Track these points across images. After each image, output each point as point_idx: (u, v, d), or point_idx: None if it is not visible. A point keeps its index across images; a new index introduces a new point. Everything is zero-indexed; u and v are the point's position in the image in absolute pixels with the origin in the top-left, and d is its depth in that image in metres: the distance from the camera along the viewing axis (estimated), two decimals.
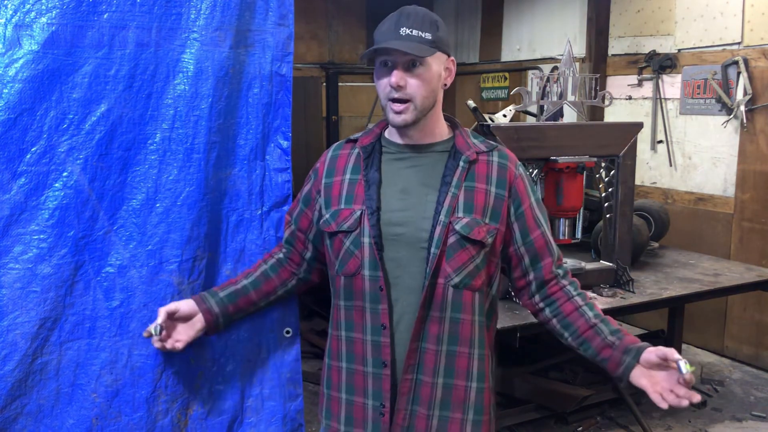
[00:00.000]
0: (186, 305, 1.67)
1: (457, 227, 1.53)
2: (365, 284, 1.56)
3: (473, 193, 1.56)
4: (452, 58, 1.59)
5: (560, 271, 1.66)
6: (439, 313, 1.55)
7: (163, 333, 1.62)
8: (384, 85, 1.52)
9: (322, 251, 1.71)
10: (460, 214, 1.54)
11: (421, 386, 1.56)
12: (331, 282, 1.67)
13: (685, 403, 1.44)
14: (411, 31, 1.49)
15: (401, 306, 1.55)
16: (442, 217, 1.53)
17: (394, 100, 1.51)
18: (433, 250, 1.52)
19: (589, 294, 1.67)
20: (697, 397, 1.44)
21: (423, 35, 1.49)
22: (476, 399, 1.59)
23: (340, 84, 6.39)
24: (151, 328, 1.61)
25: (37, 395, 1.63)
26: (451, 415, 1.57)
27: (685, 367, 1.42)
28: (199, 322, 1.67)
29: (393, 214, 1.56)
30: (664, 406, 1.46)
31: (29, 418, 1.62)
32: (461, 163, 1.57)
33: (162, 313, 1.62)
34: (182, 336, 1.66)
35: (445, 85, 1.59)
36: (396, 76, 1.49)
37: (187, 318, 1.67)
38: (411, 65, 1.50)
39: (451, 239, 1.53)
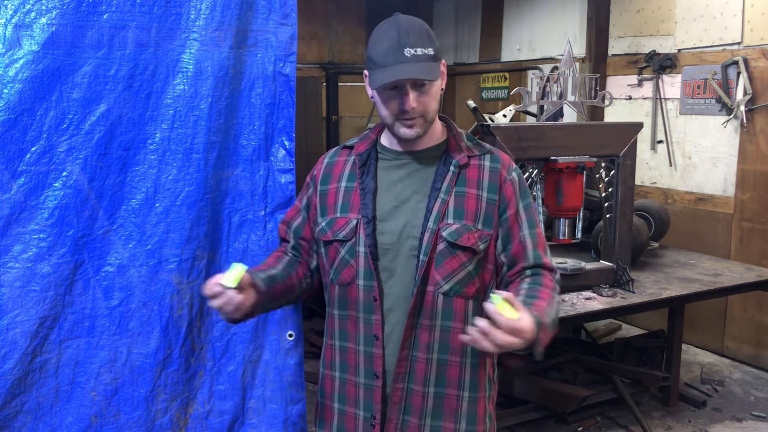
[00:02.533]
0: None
1: (445, 234, 1.50)
2: (359, 294, 1.55)
3: (464, 198, 1.53)
4: (443, 60, 1.57)
5: (528, 271, 1.56)
6: (429, 321, 1.52)
7: (235, 294, 1.43)
8: (394, 108, 1.49)
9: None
10: (450, 221, 1.51)
11: (413, 395, 1.54)
12: (326, 290, 1.64)
13: (478, 339, 1.28)
14: (416, 51, 1.45)
15: (394, 316, 1.54)
16: (430, 224, 1.51)
17: (406, 118, 1.49)
18: (421, 257, 1.50)
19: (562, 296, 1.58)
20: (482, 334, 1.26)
21: (427, 51, 1.46)
22: (469, 409, 1.56)
23: (340, 84, 6.40)
24: (231, 279, 1.41)
25: (36, 393, 1.64)
26: (443, 424, 1.55)
27: (493, 297, 1.30)
28: (249, 299, 1.50)
29: (388, 224, 1.55)
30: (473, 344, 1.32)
31: (29, 416, 1.63)
32: (452, 168, 1.55)
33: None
34: (240, 309, 1.47)
35: (442, 89, 1.57)
36: (412, 101, 1.46)
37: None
38: (420, 84, 1.47)
39: (440, 246, 1.50)
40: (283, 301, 1.66)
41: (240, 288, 1.45)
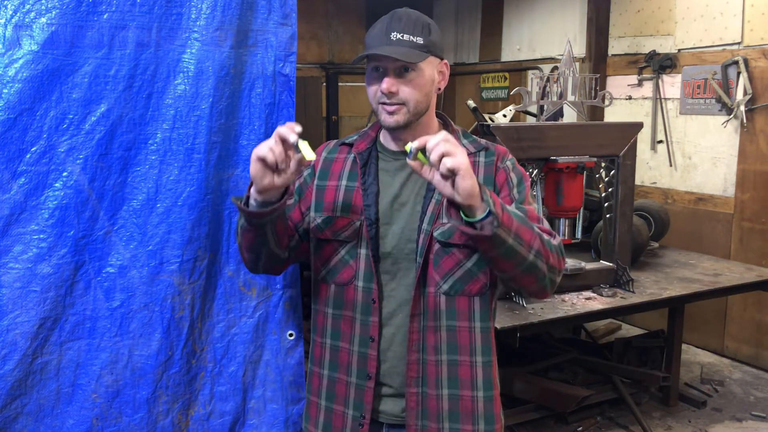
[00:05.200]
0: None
1: (436, 234, 1.49)
2: (357, 295, 1.54)
3: None
4: (445, 61, 1.56)
5: None
6: (434, 322, 1.52)
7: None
8: (375, 90, 1.49)
9: (303, 249, 1.64)
10: (444, 220, 1.49)
11: (428, 399, 1.53)
12: (315, 287, 1.63)
13: (426, 174, 1.31)
14: (402, 36, 1.45)
15: (398, 319, 1.53)
16: (425, 226, 1.50)
17: (386, 104, 1.49)
18: (418, 259, 1.50)
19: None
20: None
21: (415, 39, 1.45)
22: (485, 408, 1.54)
23: (340, 84, 6.40)
24: (309, 152, 1.36)
25: (37, 395, 1.63)
26: (461, 427, 1.53)
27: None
28: (286, 181, 1.43)
29: (389, 227, 1.54)
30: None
31: (29, 418, 1.63)
32: None
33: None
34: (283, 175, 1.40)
35: (439, 89, 1.55)
36: (387, 83, 1.45)
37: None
38: (403, 71, 1.46)
39: (436, 246, 1.50)
40: (271, 245, 1.53)
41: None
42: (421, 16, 1.51)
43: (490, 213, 1.31)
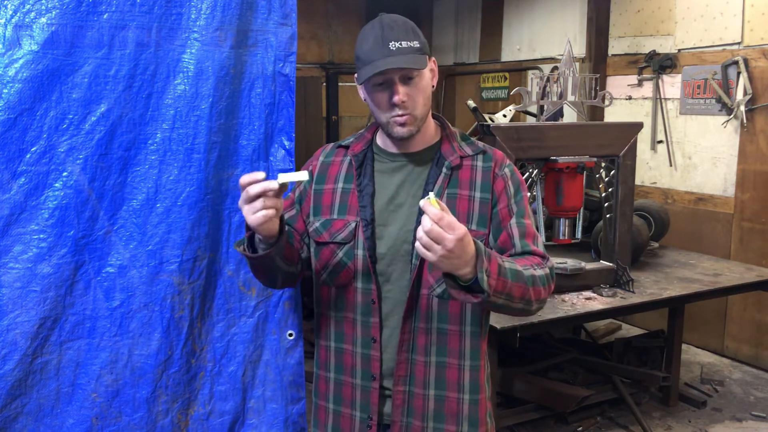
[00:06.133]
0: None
1: None
2: (357, 296, 1.55)
3: (456, 200, 1.53)
4: (433, 58, 1.56)
5: (516, 258, 1.52)
6: (425, 324, 1.53)
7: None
8: (385, 104, 1.48)
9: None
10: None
11: (414, 398, 1.54)
12: (317, 290, 1.63)
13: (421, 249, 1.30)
14: (401, 44, 1.44)
15: (393, 320, 1.54)
16: None
17: (396, 115, 1.48)
18: (413, 261, 1.51)
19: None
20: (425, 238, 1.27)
21: (412, 44, 1.46)
22: (470, 411, 1.56)
23: (340, 84, 6.41)
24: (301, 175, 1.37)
25: (37, 395, 1.63)
26: (445, 427, 1.55)
27: (429, 195, 1.31)
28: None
29: (385, 228, 1.54)
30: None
31: (29, 418, 1.63)
32: (444, 170, 1.54)
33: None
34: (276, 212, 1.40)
35: (433, 86, 1.56)
36: (400, 94, 1.45)
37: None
38: (407, 77, 1.47)
39: None
40: (284, 268, 1.55)
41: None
42: (406, 21, 1.51)
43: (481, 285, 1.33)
